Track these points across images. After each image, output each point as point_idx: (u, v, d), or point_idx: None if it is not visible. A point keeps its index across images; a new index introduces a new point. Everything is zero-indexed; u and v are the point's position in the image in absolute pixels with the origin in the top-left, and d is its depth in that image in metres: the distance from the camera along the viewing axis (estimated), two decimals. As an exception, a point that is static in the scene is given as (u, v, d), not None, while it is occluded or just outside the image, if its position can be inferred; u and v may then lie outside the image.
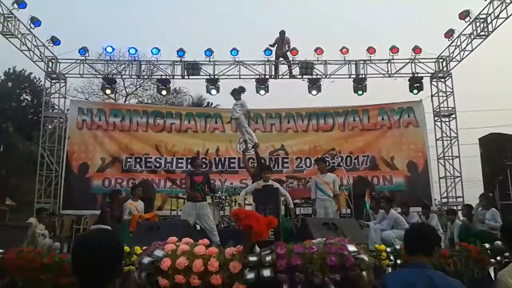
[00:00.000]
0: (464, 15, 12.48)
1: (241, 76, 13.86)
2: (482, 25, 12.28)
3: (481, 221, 8.65)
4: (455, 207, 12.07)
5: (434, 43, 14.42)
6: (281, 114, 14.02)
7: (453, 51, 13.63)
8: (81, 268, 1.81)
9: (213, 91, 13.98)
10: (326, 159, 11.31)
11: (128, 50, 14.05)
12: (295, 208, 10.67)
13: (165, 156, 13.47)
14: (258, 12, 55.56)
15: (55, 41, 13.26)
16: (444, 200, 13.68)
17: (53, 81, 14.30)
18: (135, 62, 14.31)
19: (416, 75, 13.86)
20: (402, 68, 13.93)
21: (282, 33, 13.79)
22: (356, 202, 9.80)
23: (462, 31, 12.98)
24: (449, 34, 13.27)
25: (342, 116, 13.85)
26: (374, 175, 13.26)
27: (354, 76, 13.87)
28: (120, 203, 8.73)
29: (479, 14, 12.24)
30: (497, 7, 11.66)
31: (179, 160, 13.43)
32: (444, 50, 13.89)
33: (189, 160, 11.09)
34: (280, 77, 14.14)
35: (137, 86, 26.34)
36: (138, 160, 13.36)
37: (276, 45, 13.83)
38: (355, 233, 5.75)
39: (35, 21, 12.44)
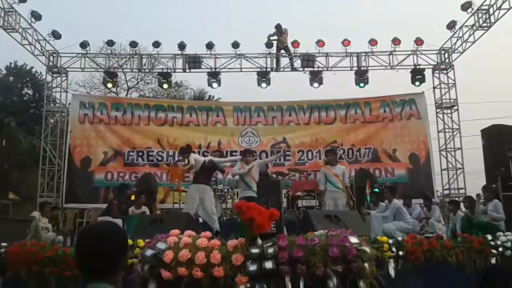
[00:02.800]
0: (466, 6, 12.41)
1: (243, 69, 13.86)
2: (484, 16, 12.21)
3: (483, 212, 8.65)
4: (457, 199, 12.07)
5: (436, 35, 14.38)
6: (282, 107, 13.99)
7: (455, 43, 13.57)
8: (85, 260, 1.81)
9: (215, 85, 13.96)
10: (337, 151, 11.28)
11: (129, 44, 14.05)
12: (297, 200, 10.73)
13: (167, 150, 13.46)
14: (258, 4, 55.35)
15: (56, 35, 13.23)
16: (446, 192, 13.69)
17: (54, 75, 14.31)
18: (136, 56, 14.29)
19: (418, 67, 13.80)
20: (404, 60, 13.88)
21: (278, 26, 13.77)
22: (358, 195, 9.82)
23: (464, 22, 12.91)
24: (451, 25, 13.21)
25: (344, 108, 13.81)
26: (376, 167, 13.25)
27: (356, 68, 13.83)
28: (128, 197, 8.85)
29: (481, 5, 12.18)
30: (499, -3, 11.60)
31: (181, 154, 13.42)
32: (446, 42, 13.83)
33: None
34: (281, 70, 14.10)
35: (139, 80, 26.33)
36: (140, 153, 13.37)
37: (275, 37, 13.80)
38: (357, 225, 5.75)
39: (36, 15, 12.42)
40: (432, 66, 14.13)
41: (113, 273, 1.82)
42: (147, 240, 4.74)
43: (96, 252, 1.78)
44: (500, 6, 11.60)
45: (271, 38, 13.79)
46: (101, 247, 1.79)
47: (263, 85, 13.78)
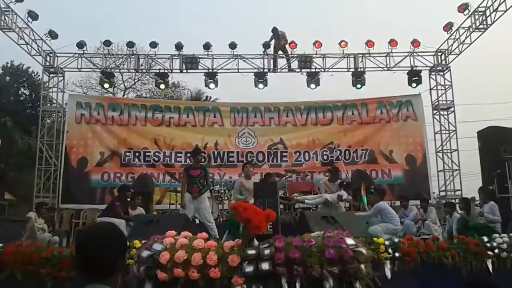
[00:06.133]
0: (463, 8, 12.42)
1: (240, 70, 13.84)
2: (481, 18, 12.24)
3: (480, 214, 8.68)
4: (453, 200, 12.09)
5: (432, 37, 14.42)
6: (279, 108, 13.98)
7: (451, 44, 13.60)
8: (83, 261, 1.81)
9: (212, 85, 13.93)
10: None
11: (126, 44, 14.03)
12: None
13: (164, 150, 13.43)
14: (256, 5, 55.38)
15: (53, 35, 13.17)
16: (443, 193, 13.72)
17: (51, 75, 14.26)
18: (133, 56, 14.24)
19: (414, 68, 13.83)
20: (400, 61, 13.89)
21: (275, 30, 13.74)
22: (354, 196, 9.83)
23: (461, 24, 12.93)
24: (448, 27, 13.24)
25: (341, 109, 13.82)
26: (373, 168, 13.27)
27: (353, 69, 13.84)
28: (127, 198, 8.86)
29: (478, 7, 12.19)
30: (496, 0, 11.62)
31: (178, 154, 13.40)
32: (443, 43, 13.87)
33: (188, 154, 11.37)
34: (278, 70, 14.10)
35: (136, 80, 26.27)
36: (137, 154, 13.33)
37: (273, 40, 13.81)
38: (353, 227, 5.76)
39: (33, 15, 12.37)
40: (428, 68, 14.15)
41: (111, 274, 1.82)
42: (143, 241, 4.73)
43: (95, 253, 1.78)
44: (497, 8, 11.63)
45: (273, 41, 13.75)
46: (100, 248, 1.79)
47: (260, 86, 13.78)
